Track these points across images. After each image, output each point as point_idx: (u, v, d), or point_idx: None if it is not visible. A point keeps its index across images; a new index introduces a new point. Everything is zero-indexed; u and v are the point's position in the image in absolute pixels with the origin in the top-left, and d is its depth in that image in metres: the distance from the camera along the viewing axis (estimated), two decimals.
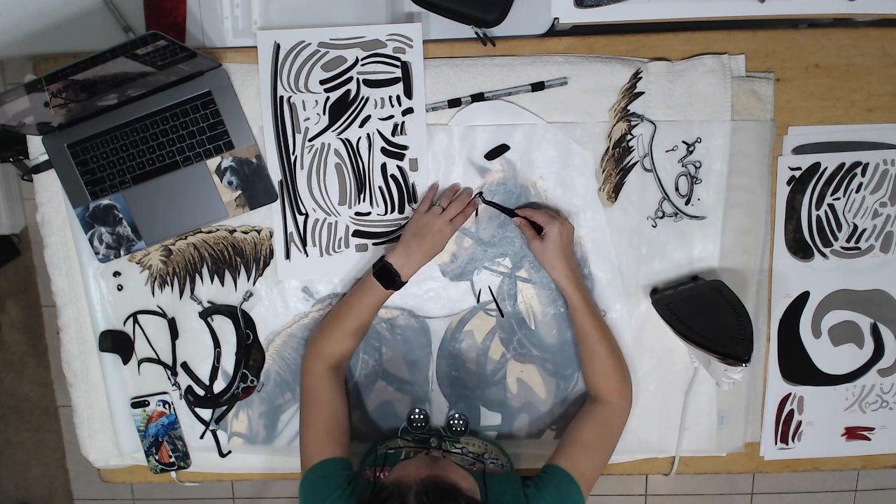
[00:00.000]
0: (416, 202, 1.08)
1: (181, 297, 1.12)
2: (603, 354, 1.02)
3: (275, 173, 1.08)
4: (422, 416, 1.12)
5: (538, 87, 1.05)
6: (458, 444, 1.07)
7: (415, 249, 0.99)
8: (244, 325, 1.12)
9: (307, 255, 1.10)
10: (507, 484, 0.93)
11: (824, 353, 1.15)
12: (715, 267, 1.09)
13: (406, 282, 1.01)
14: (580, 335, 1.04)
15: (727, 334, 0.98)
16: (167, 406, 1.14)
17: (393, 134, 1.06)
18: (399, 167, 1.07)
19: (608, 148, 1.07)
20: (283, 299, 1.12)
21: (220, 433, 1.15)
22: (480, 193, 1.08)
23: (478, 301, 1.11)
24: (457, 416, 1.11)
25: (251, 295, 1.12)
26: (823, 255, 1.12)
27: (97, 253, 1.10)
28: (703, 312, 1.01)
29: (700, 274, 1.09)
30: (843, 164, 1.09)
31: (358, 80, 1.05)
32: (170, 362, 1.14)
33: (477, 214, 1.09)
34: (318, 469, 0.95)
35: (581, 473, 0.94)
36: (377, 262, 1.02)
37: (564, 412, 1.13)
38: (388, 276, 0.99)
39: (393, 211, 1.09)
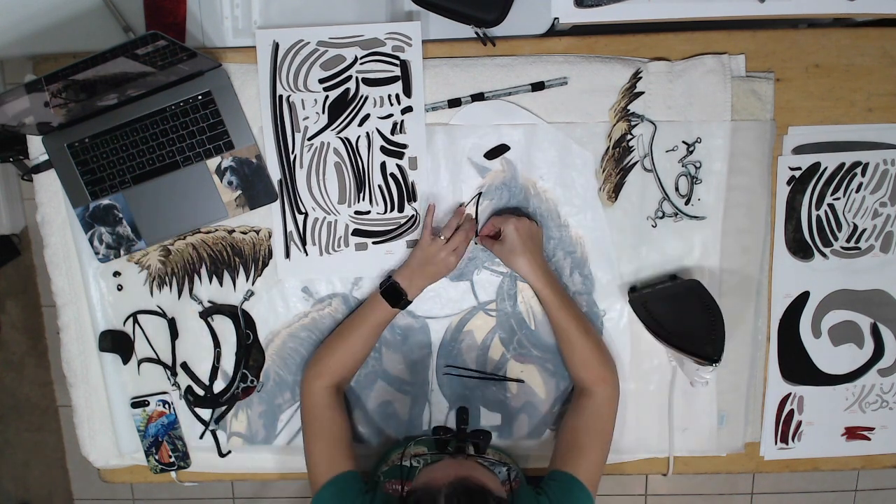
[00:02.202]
0: (415, 201, 1.08)
1: (179, 297, 1.12)
2: (581, 344, 1.03)
3: (274, 173, 1.08)
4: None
5: (538, 87, 1.05)
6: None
7: (419, 276, 1.03)
8: (244, 324, 1.12)
9: (307, 255, 1.10)
10: (526, 494, 0.93)
11: (824, 353, 1.15)
12: (716, 266, 1.09)
13: (412, 301, 1.04)
14: (556, 329, 1.06)
15: (699, 334, 0.99)
16: (167, 406, 1.14)
17: (392, 132, 1.06)
18: (398, 166, 1.07)
19: (608, 148, 1.07)
20: (284, 299, 1.12)
21: (219, 433, 1.15)
22: (480, 194, 1.08)
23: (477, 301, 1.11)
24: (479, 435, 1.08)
25: (252, 294, 1.12)
26: (823, 255, 1.12)
27: (97, 253, 1.10)
28: (678, 312, 1.02)
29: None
30: (843, 164, 1.09)
31: (357, 78, 1.05)
32: (169, 362, 1.14)
33: (477, 215, 1.09)
34: (332, 486, 0.95)
35: (585, 473, 0.95)
36: (384, 281, 1.05)
37: (564, 412, 1.13)
38: (395, 295, 1.02)
39: (392, 209, 1.09)
